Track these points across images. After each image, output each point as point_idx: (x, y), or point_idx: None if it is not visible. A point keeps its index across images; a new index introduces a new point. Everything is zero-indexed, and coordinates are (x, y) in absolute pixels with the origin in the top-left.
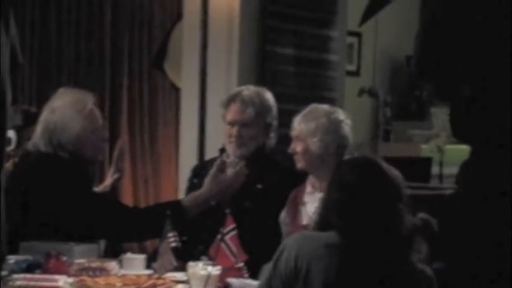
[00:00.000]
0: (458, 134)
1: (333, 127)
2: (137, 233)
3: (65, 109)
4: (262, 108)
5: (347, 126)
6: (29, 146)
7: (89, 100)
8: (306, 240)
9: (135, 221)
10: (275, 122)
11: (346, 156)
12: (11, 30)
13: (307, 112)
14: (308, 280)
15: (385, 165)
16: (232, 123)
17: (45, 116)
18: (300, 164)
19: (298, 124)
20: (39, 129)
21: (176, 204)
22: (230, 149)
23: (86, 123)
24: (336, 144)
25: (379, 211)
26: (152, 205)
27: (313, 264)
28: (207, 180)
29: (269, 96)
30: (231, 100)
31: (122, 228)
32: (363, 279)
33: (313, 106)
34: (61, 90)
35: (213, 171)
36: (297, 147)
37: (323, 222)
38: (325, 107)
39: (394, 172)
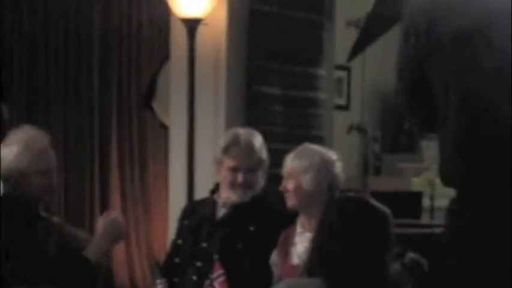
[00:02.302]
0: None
1: (326, 166)
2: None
3: (15, 145)
4: (263, 152)
5: (339, 167)
6: None
7: (41, 139)
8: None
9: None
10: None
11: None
12: None
13: (300, 150)
14: None
15: (373, 205)
16: (236, 169)
17: None
18: (290, 202)
19: (291, 161)
20: None
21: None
22: (233, 194)
23: (32, 162)
24: (327, 183)
25: (362, 259)
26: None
27: None
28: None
29: (261, 137)
30: (231, 145)
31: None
32: None
33: (306, 145)
34: (20, 127)
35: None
36: (288, 184)
37: (309, 266)
38: (317, 147)
39: (381, 211)
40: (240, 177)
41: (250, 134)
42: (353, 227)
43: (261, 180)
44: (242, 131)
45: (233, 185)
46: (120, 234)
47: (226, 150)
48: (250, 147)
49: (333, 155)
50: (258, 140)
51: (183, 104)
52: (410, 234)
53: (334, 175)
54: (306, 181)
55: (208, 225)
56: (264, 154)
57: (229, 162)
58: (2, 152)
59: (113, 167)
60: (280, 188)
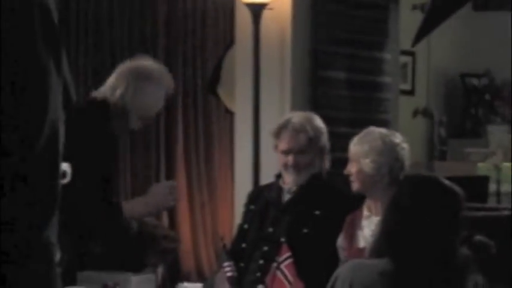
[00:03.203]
0: None
1: (387, 149)
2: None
3: (154, 83)
4: (314, 133)
5: (402, 150)
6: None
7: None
8: (359, 268)
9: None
10: (328, 146)
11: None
12: (63, 68)
13: (363, 134)
14: None
15: (445, 184)
16: (286, 152)
17: (133, 74)
18: (354, 185)
19: (354, 146)
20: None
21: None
22: (288, 177)
23: (160, 100)
24: (388, 166)
25: (432, 240)
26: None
27: None
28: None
29: (319, 120)
30: (281, 129)
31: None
32: None
33: (370, 129)
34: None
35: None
36: (351, 168)
37: (377, 247)
38: (381, 130)
39: (453, 192)
40: (290, 159)
41: (300, 116)
42: (423, 205)
43: (316, 162)
44: (293, 114)
45: (286, 167)
46: (163, 205)
47: (277, 134)
48: (297, 129)
49: (396, 138)
50: (310, 121)
51: (249, 89)
52: (478, 217)
53: (396, 158)
54: (367, 164)
55: (274, 210)
56: (318, 135)
57: (280, 146)
58: (138, 80)
59: (178, 152)
60: (345, 172)
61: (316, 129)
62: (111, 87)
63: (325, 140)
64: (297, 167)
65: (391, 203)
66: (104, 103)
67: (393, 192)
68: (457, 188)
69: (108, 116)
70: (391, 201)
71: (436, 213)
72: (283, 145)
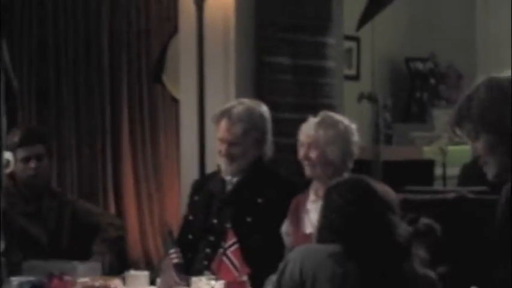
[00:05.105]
0: None
1: (349, 135)
2: None
3: None
4: (250, 125)
5: (357, 135)
6: None
7: None
8: (309, 252)
9: None
10: (268, 135)
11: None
12: (4, 56)
13: (323, 119)
14: None
15: (373, 183)
16: (221, 140)
17: None
18: (313, 172)
19: (315, 131)
20: None
21: None
22: (222, 165)
23: None
24: (350, 152)
25: (371, 226)
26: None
27: (318, 275)
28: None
29: (262, 110)
30: (220, 116)
31: None
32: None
33: (327, 114)
34: None
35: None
36: (311, 153)
37: (323, 239)
38: (337, 115)
39: (384, 188)
40: (223, 149)
41: (244, 106)
42: (355, 211)
43: (249, 153)
44: (239, 102)
45: (220, 155)
46: None
47: (216, 121)
48: (233, 120)
49: (351, 123)
50: (250, 112)
51: (193, 77)
52: (423, 200)
53: (354, 143)
54: (332, 151)
55: (218, 200)
56: (256, 125)
57: (218, 133)
58: None
59: (124, 142)
60: (300, 157)
61: (253, 120)
62: None
63: (263, 130)
64: (229, 157)
65: (326, 207)
66: None
67: (324, 198)
68: (384, 191)
69: None
70: (325, 205)
71: (366, 216)
72: (219, 133)
